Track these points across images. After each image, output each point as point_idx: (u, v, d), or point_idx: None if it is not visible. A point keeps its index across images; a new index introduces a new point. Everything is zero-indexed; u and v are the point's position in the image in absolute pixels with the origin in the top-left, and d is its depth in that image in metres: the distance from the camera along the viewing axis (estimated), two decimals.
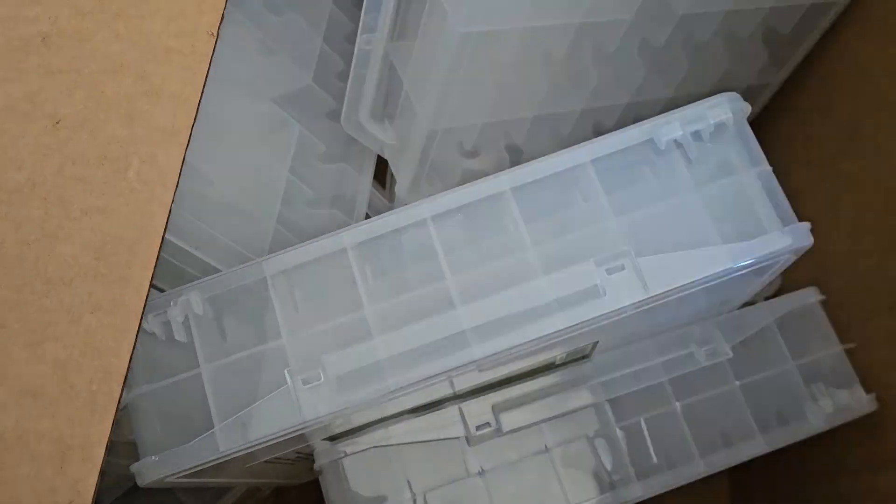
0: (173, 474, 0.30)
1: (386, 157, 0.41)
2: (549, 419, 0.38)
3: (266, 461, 0.36)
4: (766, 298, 0.43)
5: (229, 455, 0.30)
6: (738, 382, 0.39)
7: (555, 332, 0.30)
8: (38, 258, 0.23)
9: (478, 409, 0.37)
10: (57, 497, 0.22)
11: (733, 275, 0.30)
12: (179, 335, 0.31)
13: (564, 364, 0.38)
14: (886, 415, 0.39)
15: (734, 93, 0.32)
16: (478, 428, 0.37)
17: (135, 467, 0.30)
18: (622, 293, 0.30)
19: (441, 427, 0.37)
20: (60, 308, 0.23)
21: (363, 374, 0.30)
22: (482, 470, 0.37)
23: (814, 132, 0.45)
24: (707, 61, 0.41)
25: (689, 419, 0.38)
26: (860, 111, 0.41)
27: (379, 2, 0.34)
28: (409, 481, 0.37)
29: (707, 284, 0.30)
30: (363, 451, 0.37)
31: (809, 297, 0.41)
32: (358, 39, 0.36)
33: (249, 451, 0.30)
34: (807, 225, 0.30)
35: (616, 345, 0.38)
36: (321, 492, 0.38)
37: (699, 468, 0.38)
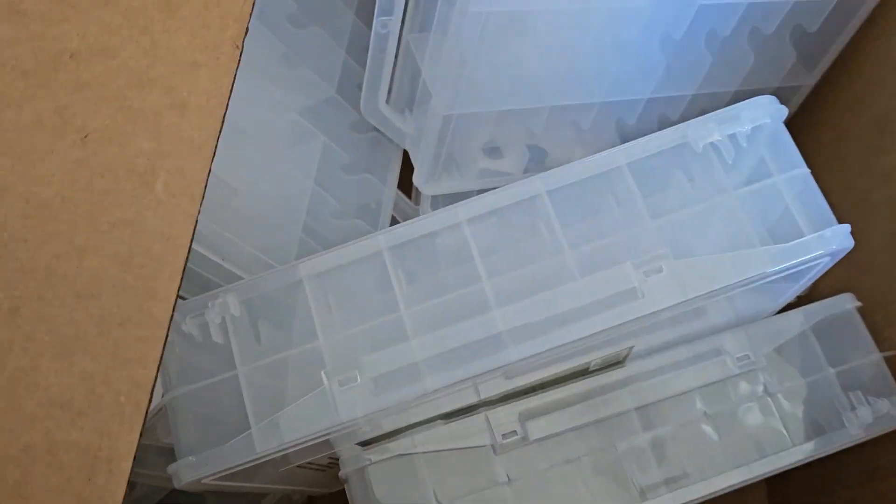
0: (210, 475, 0.30)
1: (406, 147, 0.41)
2: (577, 427, 0.37)
3: (299, 466, 0.36)
4: (799, 298, 0.42)
5: (265, 456, 0.30)
6: (771, 391, 0.38)
7: (592, 334, 0.29)
8: (67, 271, 0.24)
9: (504, 417, 0.37)
10: None
11: (771, 278, 0.30)
12: (217, 337, 0.31)
13: (598, 370, 0.37)
14: None
15: (771, 96, 0.32)
16: (504, 436, 0.36)
17: (172, 468, 0.30)
18: (660, 295, 0.29)
19: (467, 435, 0.37)
20: (89, 320, 0.24)
21: (400, 375, 0.30)
22: (509, 479, 0.37)
23: (844, 129, 0.44)
24: (731, 59, 0.40)
25: (720, 428, 0.38)
26: (894, 107, 0.40)
27: None
28: (434, 490, 0.36)
29: (745, 287, 0.29)
30: (388, 458, 0.37)
31: (846, 303, 0.40)
32: (375, 22, 0.35)
33: (285, 452, 0.30)
34: (847, 227, 0.30)
35: (650, 351, 0.38)
36: None
37: (731, 479, 0.37)
